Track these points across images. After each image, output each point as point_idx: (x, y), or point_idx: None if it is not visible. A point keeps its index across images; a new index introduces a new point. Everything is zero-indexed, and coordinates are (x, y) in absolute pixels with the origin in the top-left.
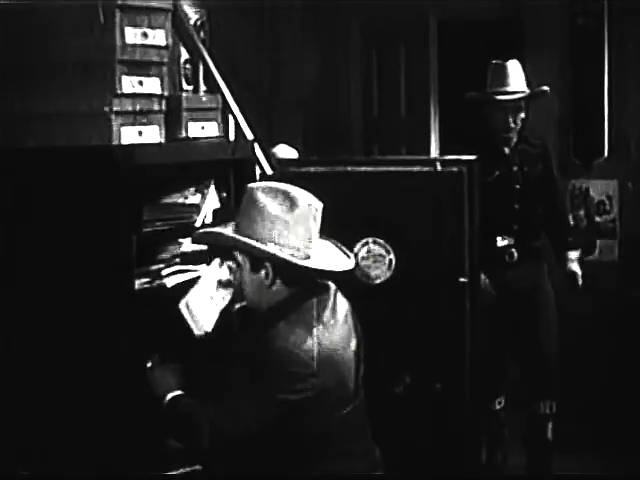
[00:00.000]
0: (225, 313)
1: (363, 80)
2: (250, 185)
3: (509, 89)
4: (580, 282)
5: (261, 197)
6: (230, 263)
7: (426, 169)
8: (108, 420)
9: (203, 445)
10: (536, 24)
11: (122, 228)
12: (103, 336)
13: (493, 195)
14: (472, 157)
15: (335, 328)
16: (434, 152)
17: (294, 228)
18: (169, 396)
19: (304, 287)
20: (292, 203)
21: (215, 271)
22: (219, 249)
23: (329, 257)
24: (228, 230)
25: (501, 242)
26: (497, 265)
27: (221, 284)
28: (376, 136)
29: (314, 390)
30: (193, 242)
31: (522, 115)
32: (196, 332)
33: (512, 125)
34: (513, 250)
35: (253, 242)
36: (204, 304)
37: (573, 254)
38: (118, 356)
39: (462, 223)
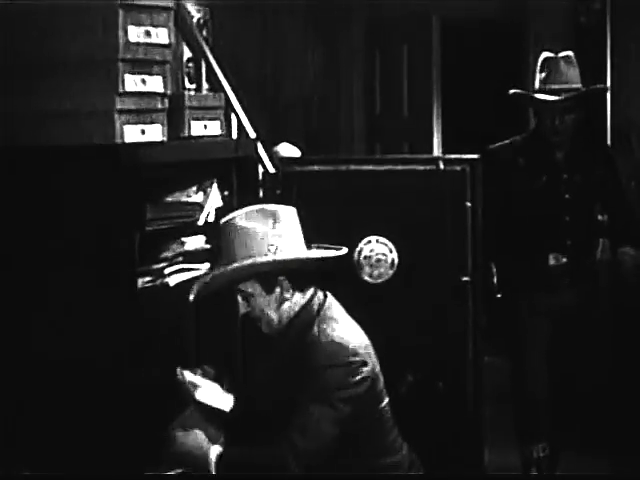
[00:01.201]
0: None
1: (366, 79)
2: (223, 220)
3: (555, 87)
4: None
5: (242, 223)
6: (240, 299)
7: (429, 168)
8: (109, 420)
9: (295, 471)
10: (539, 23)
11: (125, 226)
12: (105, 335)
13: (539, 205)
14: (475, 156)
15: (352, 320)
16: (436, 151)
17: (286, 236)
18: (214, 456)
19: (316, 288)
20: (274, 217)
21: None
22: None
23: (323, 251)
24: (221, 269)
25: (553, 261)
26: (546, 288)
27: None
28: (379, 135)
29: (369, 379)
30: (195, 299)
31: (574, 116)
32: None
33: (561, 128)
34: (567, 270)
35: (253, 260)
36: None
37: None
38: (120, 354)
39: (465, 222)
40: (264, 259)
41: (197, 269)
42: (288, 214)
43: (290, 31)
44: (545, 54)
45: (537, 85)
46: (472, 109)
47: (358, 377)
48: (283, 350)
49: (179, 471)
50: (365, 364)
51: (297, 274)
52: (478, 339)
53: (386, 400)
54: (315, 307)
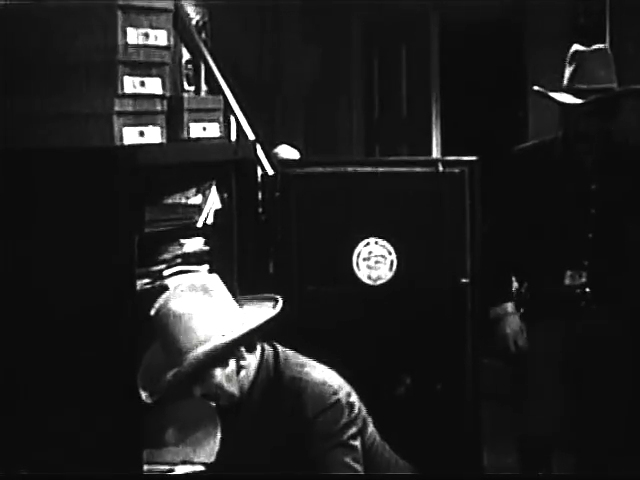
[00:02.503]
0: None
1: (364, 80)
2: (155, 309)
3: (582, 86)
4: None
5: (177, 308)
6: (199, 389)
7: (428, 170)
8: (108, 421)
9: None
10: (537, 24)
11: (124, 229)
12: (104, 337)
13: (559, 218)
14: (473, 158)
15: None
16: (435, 153)
17: (223, 307)
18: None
19: (261, 343)
20: (204, 290)
21: None
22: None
23: (263, 307)
24: (170, 373)
25: (570, 280)
26: (561, 311)
27: None
28: (377, 137)
29: (358, 406)
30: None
31: (604, 120)
32: None
33: (588, 133)
34: (586, 291)
35: (210, 347)
36: None
37: None
38: (119, 357)
39: (464, 224)
40: (221, 341)
41: (196, 271)
42: (215, 283)
43: (288, 33)
44: (575, 46)
45: (565, 82)
46: (471, 110)
47: (355, 410)
48: (252, 415)
49: (179, 471)
50: (350, 394)
51: (249, 341)
52: (477, 341)
53: (371, 422)
54: (271, 362)
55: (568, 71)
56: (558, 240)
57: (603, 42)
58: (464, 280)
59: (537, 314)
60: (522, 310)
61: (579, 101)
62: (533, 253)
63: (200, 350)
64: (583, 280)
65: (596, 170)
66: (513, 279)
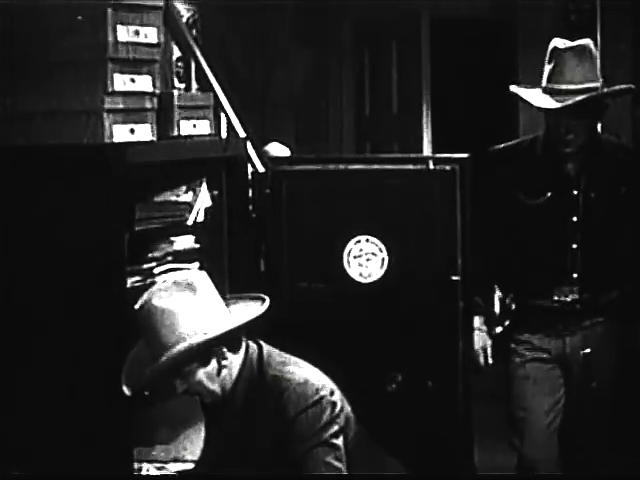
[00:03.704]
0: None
1: (355, 78)
2: (139, 303)
3: (561, 87)
4: None
5: (161, 304)
6: (180, 385)
7: (418, 167)
8: (98, 419)
9: None
10: (529, 22)
11: (114, 226)
12: (95, 335)
13: (540, 227)
14: (465, 155)
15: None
16: (426, 150)
17: (208, 306)
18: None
19: (247, 341)
20: (190, 288)
21: None
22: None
23: (249, 307)
24: (159, 362)
25: (559, 295)
26: (549, 329)
27: None
28: (368, 134)
29: (340, 404)
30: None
31: (587, 122)
32: None
33: (570, 135)
34: (576, 307)
35: (189, 343)
36: None
37: None
38: (109, 355)
39: (454, 221)
40: (199, 339)
41: (186, 268)
42: (202, 280)
43: (279, 30)
44: (554, 42)
45: (544, 81)
46: (462, 108)
47: (337, 408)
48: (236, 415)
49: (178, 471)
50: (333, 392)
51: (230, 339)
52: (468, 338)
53: (355, 420)
54: (254, 361)
55: (547, 70)
56: (541, 250)
57: (594, 40)
58: (455, 277)
59: (523, 327)
60: (507, 322)
61: (556, 105)
62: (516, 263)
63: (179, 346)
64: (575, 296)
65: (580, 174)
66: (496, 289)
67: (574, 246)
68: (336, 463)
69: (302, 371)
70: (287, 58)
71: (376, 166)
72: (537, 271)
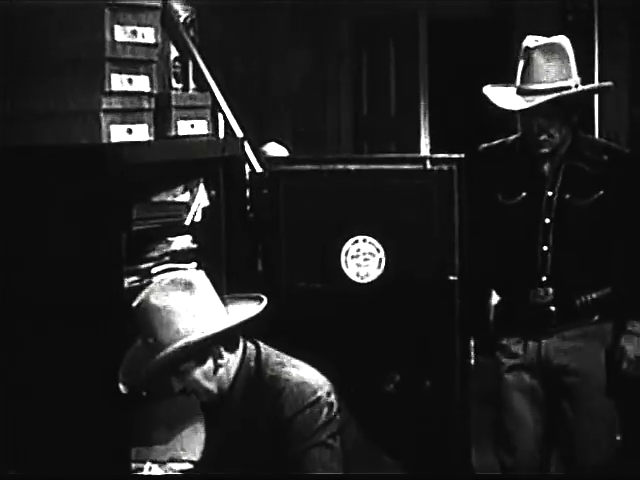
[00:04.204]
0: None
1: (353, 78)
2: (137, 301)
3: (531, 87)
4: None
5: (159, 301)
6: (177, 384)
7: (416, 167)
8: (95, 419)
9: None
10: (526, 21)
11: (111, 227)
12: (92, 335)
13: (512, 228)
14: (462, 155)
15: (288, 355)
16: (424, 150)
17: (206, 304)
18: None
19: (244, 341)
20: (188, 286)
21: None
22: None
23: (246, 306)
24: (155, 359)
25: (534, 297)
26: (525, 332)
27: None
28: (366, 134)
29: (337, 406)
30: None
31: (560, 122)
32: None
33: (543, 136)
34: (550, 309)
35: (185, 341)
36: None
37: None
38: (107, 355)
39: (452, 221)
40: (195, 338)
41: (184, 268)
42: (200, 279)
43: (276, 30)
44: (526, 40)
45: (517, 81)
46: (460, 108)
47: (334, 409)
48: (233, 415)
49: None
50: (330, 393)
51: (227, 338)
52: (465, 338)
53: (353, 421)
54: (252, 360)
55: (519, 69)
56: (514, 251)
57: (592, 40)
58: (452, 277)
59: (503, 330)
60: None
61: (523, 106)
62: (496, 263)
63: (175, 344)
64: (549, 298)
65: (555, 174)
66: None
67: (545, 248)
68: (332, 464)
69: (300, 372)
70: (285, 58)
71: (374, 166)
72: (512, 272)
